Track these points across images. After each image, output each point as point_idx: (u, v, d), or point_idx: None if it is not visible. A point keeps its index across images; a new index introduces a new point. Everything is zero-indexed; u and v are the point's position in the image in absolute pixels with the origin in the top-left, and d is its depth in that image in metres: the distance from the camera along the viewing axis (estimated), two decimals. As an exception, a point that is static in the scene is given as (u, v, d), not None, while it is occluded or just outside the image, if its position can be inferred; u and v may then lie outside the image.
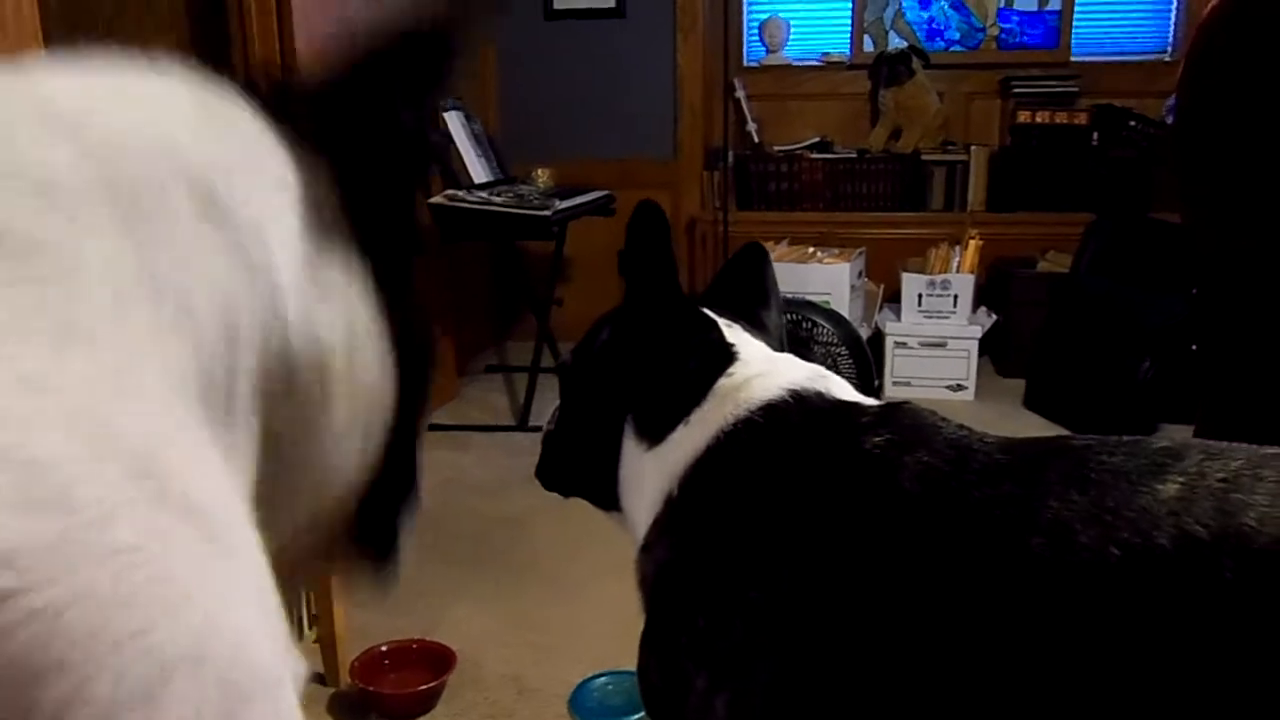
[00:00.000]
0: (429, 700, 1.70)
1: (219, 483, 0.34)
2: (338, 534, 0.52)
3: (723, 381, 0.79)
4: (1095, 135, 3.73)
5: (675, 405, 0.79)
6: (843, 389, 0.80)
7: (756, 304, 0.91)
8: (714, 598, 0.71)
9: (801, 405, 0.76)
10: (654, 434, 0.80)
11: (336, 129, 0.47)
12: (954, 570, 0.62)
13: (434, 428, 2.89)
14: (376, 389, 0.48)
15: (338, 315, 0.45)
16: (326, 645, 1.72)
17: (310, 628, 1.79)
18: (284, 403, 0.42)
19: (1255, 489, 0.57)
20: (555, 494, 0.96)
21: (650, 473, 0.80)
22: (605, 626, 1.76)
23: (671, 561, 0.76)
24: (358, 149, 0.48)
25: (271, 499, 0.40)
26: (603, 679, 1.73)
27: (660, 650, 0.75)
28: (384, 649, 1.77)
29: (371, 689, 1.69)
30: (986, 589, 0.61)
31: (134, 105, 0.40)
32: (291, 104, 0.46)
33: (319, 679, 1.74)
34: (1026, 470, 0.65)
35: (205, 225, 0.38)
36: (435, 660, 1.74)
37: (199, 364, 0.36)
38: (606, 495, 0.87)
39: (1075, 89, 3.81)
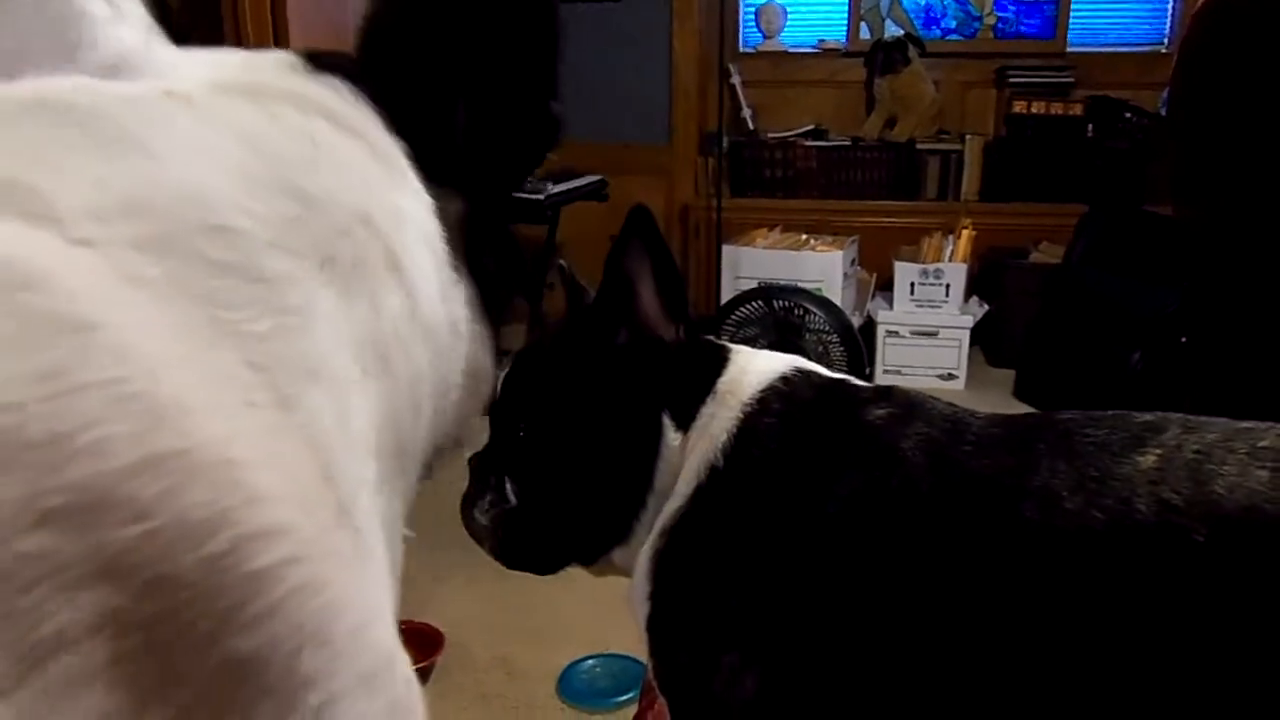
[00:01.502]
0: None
1: (374, 504, 0.38)
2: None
3: (732, 359, 0.84)
4: (1090, 126, 3.73)
5: (701, 386, 0.82)
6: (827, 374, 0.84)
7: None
8: (747, 574, 0.73)
9: (808, 381, 0.81)
10: (686, 420, 0.81)
11: (474, 160, 0.47)
12: (957, 533, 0.67)
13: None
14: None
15: (464, 353, 0.48)
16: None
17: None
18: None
19: (1226, 460, 0.62)
20: None
21: (681, 458, 0.81)
22: (593, 610, 1.76)
23: (700, 541, 0.77)
24: (492, 179, 0.48)
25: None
26: (590, 661, 1.74)
27: (687, 629, 0.77)
28: (373, 630, 1.77)
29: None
30: (984, 551, 0.65)
31: (314, 152, 0.40)
32: (424, 114, 0.46)
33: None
34: (1017, 443, 0.70)
35: (390, 277, 0.40)
36: (424, 641, 1.74)
37: (393, 420, 0.40)
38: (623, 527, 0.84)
39: (1071, 79, 3.80)
